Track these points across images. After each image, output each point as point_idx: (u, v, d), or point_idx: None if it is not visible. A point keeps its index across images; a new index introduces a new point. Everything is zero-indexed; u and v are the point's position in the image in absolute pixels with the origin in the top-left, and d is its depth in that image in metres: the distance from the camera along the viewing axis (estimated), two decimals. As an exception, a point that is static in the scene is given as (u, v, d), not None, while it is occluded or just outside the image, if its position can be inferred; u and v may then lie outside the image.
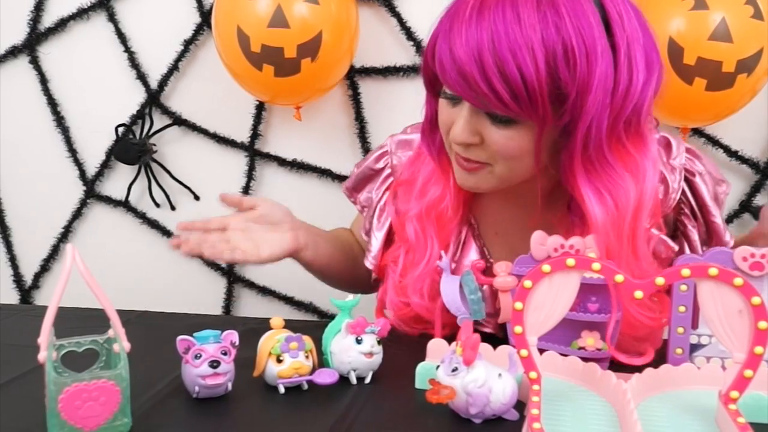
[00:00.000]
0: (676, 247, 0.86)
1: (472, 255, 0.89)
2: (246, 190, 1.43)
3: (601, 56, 0.69)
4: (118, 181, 1.47)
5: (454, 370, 0.62)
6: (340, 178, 1.39)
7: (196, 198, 1.46)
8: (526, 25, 0.68)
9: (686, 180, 0.86)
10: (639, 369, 0.68)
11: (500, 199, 0.85)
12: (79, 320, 0.81)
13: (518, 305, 0.62)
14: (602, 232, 0.73)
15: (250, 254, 0.89)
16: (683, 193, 0.86)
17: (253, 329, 0.75)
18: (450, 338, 0.73)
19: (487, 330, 0.86)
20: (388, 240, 0.94)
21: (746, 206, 1.29)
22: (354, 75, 1.35)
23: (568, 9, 0.69)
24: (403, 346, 0.82)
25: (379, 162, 0.97)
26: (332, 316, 0.86)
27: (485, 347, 0.70)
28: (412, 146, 0.94)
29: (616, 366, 0.71)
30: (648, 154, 0.77)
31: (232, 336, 0.67)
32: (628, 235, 0.75)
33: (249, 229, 0.92)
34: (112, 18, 1.40)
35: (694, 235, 0.87)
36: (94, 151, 1.46)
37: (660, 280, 0.60)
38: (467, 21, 0.70)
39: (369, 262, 0.95)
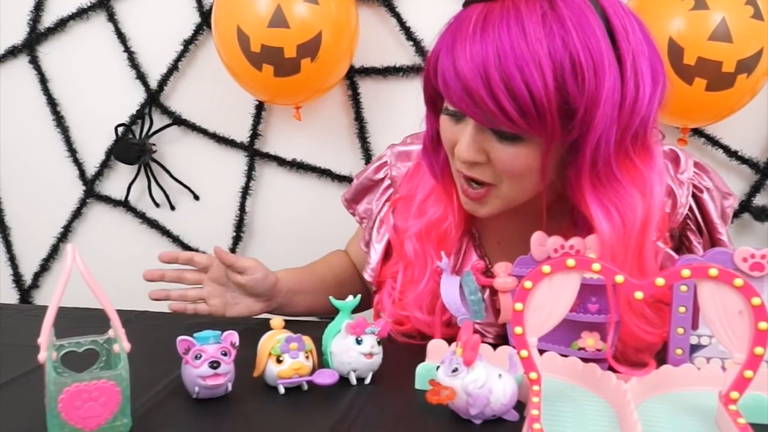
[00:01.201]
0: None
1: None
2: (245, 190, 1.43)
3: (609, 70, 0.68)
4: (118, 180, 1.47)
5: (455, 370, 0.62)
6: (340, 178, 1.40)
7: (196, 198, 1.46)
8: (532, 40, 0.67)
9: (694, 196, 0.85)
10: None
11: (503, 212, 0.83)
12: (79, 320, 0.82)
13: (518, 306, 0.62)
14: (609, 248, 0.72)
15: (214, 311, 0.91)
16: (690, 208, 0.85)
17: (253, 329, 0.75)
18: (450, 339, 0.73)
19: (489, 340, 0.85)
20: (388, 252, 0.93)
21: (746, 206, 1.29)
22: (354, 75, 1.35)
23: (574, 22, 0.68)
24: (403, 347, 0.82)
25: (379, 173, 0.96)
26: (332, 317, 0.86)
27: (485, 348, 0.70)
28: (411, 157, 0.93)
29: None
30: (654, 166, 0.75)
31: (232, 336, 0.67)
32: (635, 249, 0.74)
33: (226, 285, 0.91)
34: (111, 18, 1.40)
35: (699, 251, 0.86)
36: (93, 150, 1.47)
37: (660, 281, 0.60)
38: (471, 36, 0.69)
39: (368, 274, 0.94)
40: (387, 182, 0.95)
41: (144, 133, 1.42)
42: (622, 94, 0.70)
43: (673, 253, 0.84)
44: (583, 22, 0.68)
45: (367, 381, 0.72)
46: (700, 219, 0.86)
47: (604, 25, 0.69)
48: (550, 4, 0.69)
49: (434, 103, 0.80)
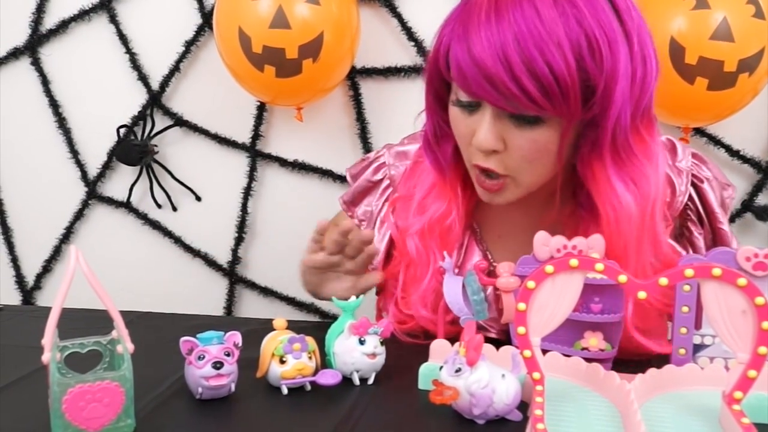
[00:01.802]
0: (684, 253, 0.85)
1: (475, 260, 0.88)
2: (247, 190, 1.43)
3: (621, 45, 0.70)
4: (120, 182, 1.47)
5: (458, 370, 0.62)
6: (342, 179, 1.40)
7: (198, 199, 1.46)
8: (548, 21, 0.67)
9: (694, 186, 0.86)
10: (642, 369, 0.68)
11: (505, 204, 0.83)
12: (82, 321, 0.82)
13: (521, 306, 0.62)
14: (630, 222, 0.74)
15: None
16: (690, 199, 0.86)
17: (256, 330, 0.75)
18: (454, 338, 0.73)
19: (492, 335, 0.85)
20: (389, 252, 0.92)
21: (748, 206, 1.29)
22: (355, 75, 1.35)
23: (584, 1, 0.69)
24: (406, 347, 0.82)
25: (377, 174, 0.95)
26: (334, 317, 0.86)
27: (488, 348, 0.70)
28: (408, 157, 0.93)
29: (619, 366, 0.71)
30: (657, 138, 0.77)
31: (235, 337, 0.67)
32: (650, 224, 0.75)
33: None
34: (113, 19, 1.40)
35: (700, 242, 0.86)
36: (95, 152, 1.47)
37: (663, 281, 0.60)
38: (485, 23, 0.69)
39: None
40: (386, 182, 0.95)
41: (146, 135, 1.42)
42: (633, 69, 0.71)
43: (675, 245, 0.84)
44: (592, 0, 0.69)
45: (370, 381, 0.72)
46: (701, 209, 0.86)
47: (608, 3, 0.71)
48: None
49: (440, 96, 0.80)
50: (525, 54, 0.67)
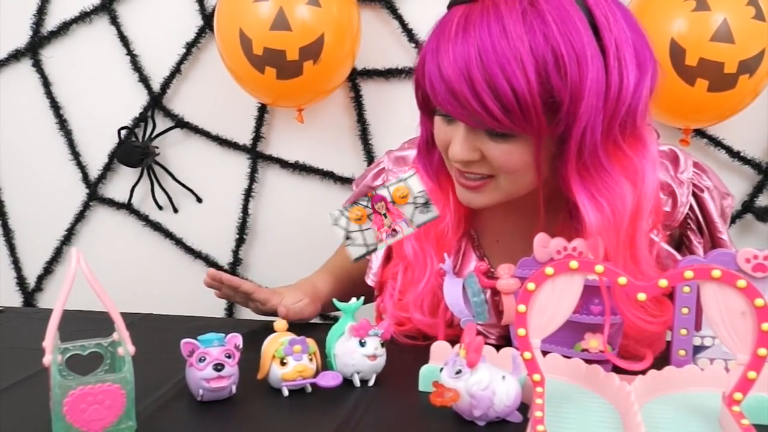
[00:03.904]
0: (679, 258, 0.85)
1: (472, 266, 0.88)
2: (248, 192, 1.43)
3: (591, 61, 0.68)
4: (121, 183, 1.48)
5: (458, 372, 0.62)
6: (343, 180, 1.40)
7: (199, 200, 1.46)
8: (513, 37, 0.67)
9: (694, 195, 0.85)
10: (642, 371, 0.68)
11: (501, 209, 0.83)
12: (84, 323, 0.82)
13: (522, 308, 0.62)
14: (599, 237, 0.72)
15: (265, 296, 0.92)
16: (691, 208, 0.85)
17: (257, 332, 0.75)
18: (452, 340, 0.73)
19: (491, 342, 0.85)
20: (388, 256, 0.93)
21: (749, 207, 1.29)
22: (356, 77, 1.35)
23: (555, 16, 0.68)
24: (407, 349, 0.82)
25: (377, 179, 0.97)
26: (335, 318, 0.86)
27: (489, 350, 0.70)
28: (407, 162, 0.94)
29: (619, 368, 0.71)
30: (647, 155, 0.75)
31: (236, 339, 0.67)
32: (625, 240, 0.74)
33: None
34: (114, 21, 1.40)
35: (699, 251, 0.86)
36: (96, 153, 1.47)
37: (663, 282, 0.60)
38: (453, 39, 0.70)
39: (370, 280, 0.94)
40: None
41: (147, 136, 1.43)
42: (607, 84, 0.70)
43: (675, 253, 0.84)
44: (563, 15, 0.68)
45: (371, 383, 0.72)
46: (700, 218, 0.86)
47: (586, 17, 0.70)
48: (530, 0, 0.69)
49: (426, 105, 0.81)
50: (487, 71, 0.67)
